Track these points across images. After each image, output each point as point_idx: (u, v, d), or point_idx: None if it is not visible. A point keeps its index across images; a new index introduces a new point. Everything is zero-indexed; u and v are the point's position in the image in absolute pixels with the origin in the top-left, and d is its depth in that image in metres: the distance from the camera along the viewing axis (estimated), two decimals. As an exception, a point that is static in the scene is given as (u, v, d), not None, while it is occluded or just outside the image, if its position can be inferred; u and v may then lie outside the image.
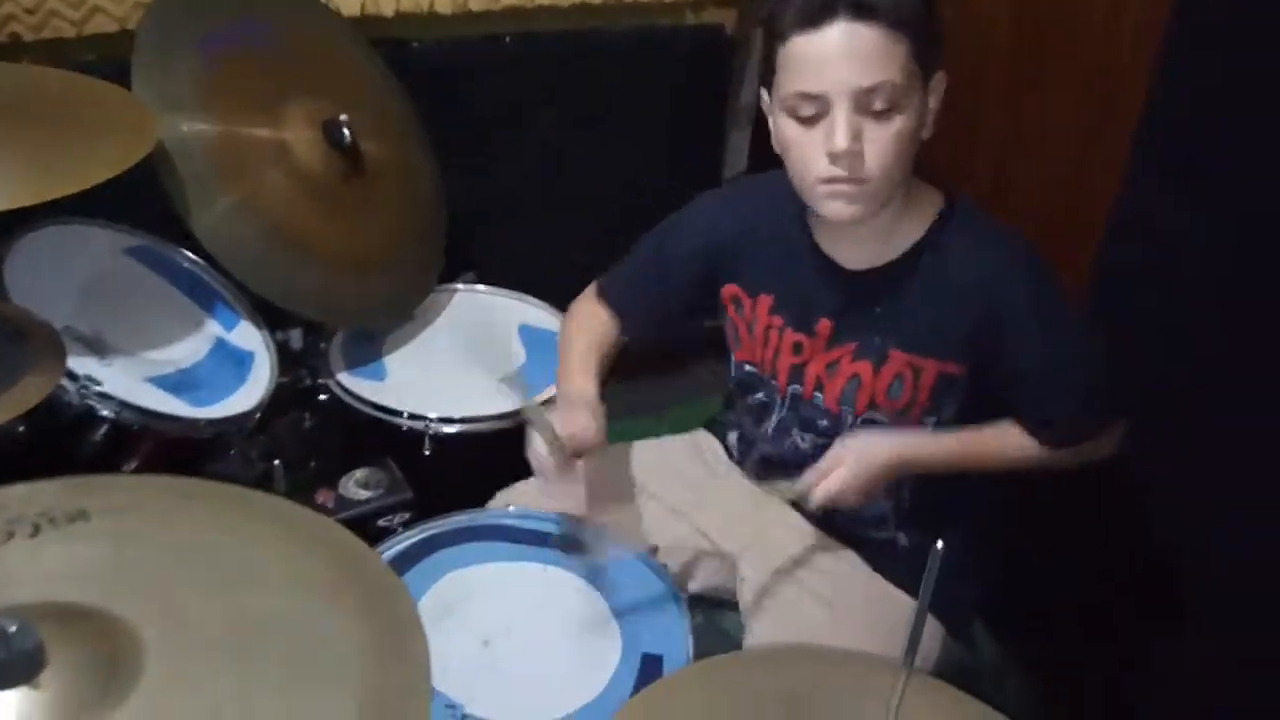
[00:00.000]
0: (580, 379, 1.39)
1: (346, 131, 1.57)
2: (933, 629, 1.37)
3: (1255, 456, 1.40)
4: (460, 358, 1.70)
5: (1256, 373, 1.39)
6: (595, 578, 1.30)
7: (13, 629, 0.60)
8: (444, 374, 1.66)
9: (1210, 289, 1.43)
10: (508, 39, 2.08)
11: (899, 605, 1.36)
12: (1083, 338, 1.29)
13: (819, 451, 1.36)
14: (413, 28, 1.97)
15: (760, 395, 1.41)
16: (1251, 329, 1.38)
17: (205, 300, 1.52)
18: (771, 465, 1.43)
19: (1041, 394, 1.29)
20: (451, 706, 1.12)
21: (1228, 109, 1.37)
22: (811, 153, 1.18)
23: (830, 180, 1.19)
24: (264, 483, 1.44)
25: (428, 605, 1.23)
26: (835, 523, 1.41)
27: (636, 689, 1.16)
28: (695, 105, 2.30)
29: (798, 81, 1.16)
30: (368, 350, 1.69)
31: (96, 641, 0.65)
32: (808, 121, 1.17)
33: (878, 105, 1.15)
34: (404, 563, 1.29)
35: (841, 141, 1.14)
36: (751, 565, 1.41)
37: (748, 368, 1.41)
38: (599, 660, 1.19)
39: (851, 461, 1.23)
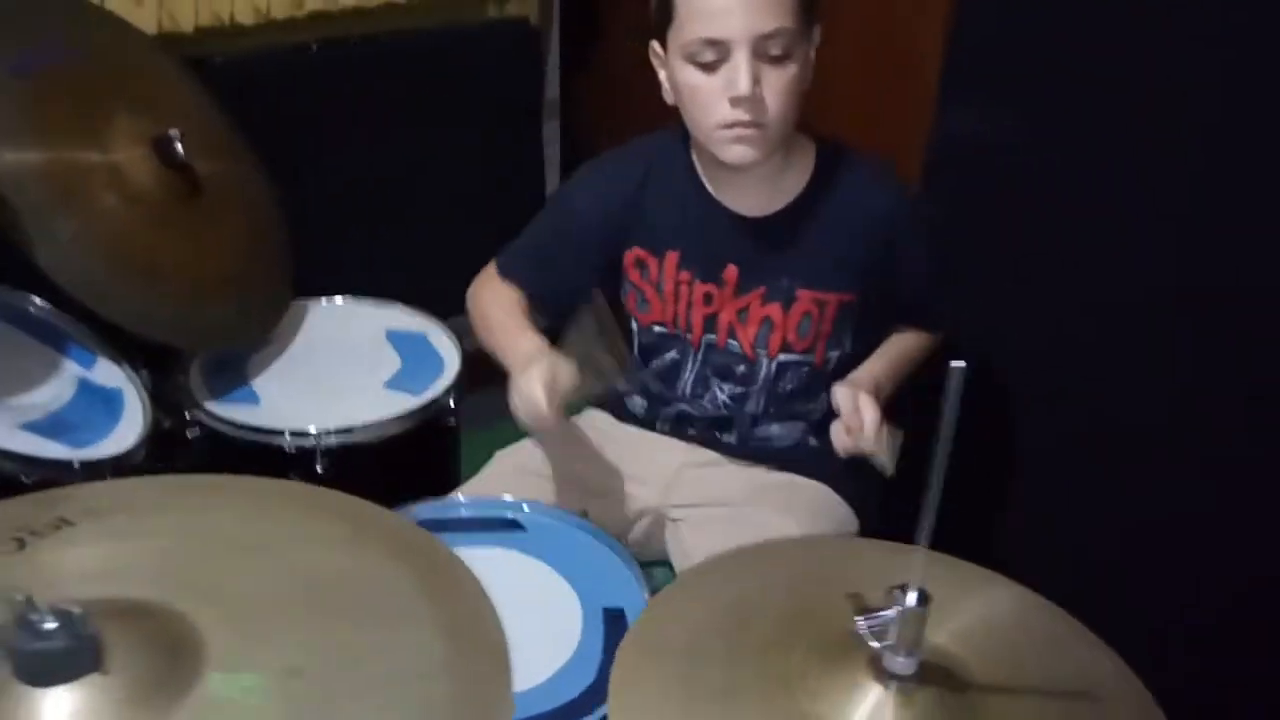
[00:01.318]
0: (524, 339, 1.34)
1: (179, 146, 1.49)
2: (845, 513, 1.45)
3: (1086, 353, 1.57)
4: (332, 369, 1.64)
5: (1080, 266, 1.55)
6: None
7: (76, 613, 0.55)
8: (319, 388, 1.60)
9: (1036, 197, 1.58)
10: (314, 47, 2.03)
11: (806, 488, 1.44)
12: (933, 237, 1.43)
13: (739, 399, 1.42)
14: (213, 42, 1.89)
15: (671, 354, 1.44)
16: (1074, 228, 1.54)
17: (56, 341, 1.41)
18: (688, 421, 1.48)
19: (923, 293, 1.42)
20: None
21: (1031, 20, 1.51)
22: (713, 99, 1.22)
23: (732, 125, 1.23)
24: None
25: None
26: (750, 447, 1.47)
27: (607, 644, 1.16)
28: (509, 99, 2.32)
29: (700, 28, 1.20)
30: (232, 378, 1.60)
31: (148, 626, 0.61)
32: (708, 68, 1.21)
33: (774, 51, 1.20)
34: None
35: (744, 85, 1.19)
36: (676, 509, 1.45)
37: (657, 329, 1.42)
38: (563, 623, 1.19)
39: (869, 404, 1.25)
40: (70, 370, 1.39)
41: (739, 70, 1.19)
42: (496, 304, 1.44)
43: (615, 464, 1.47)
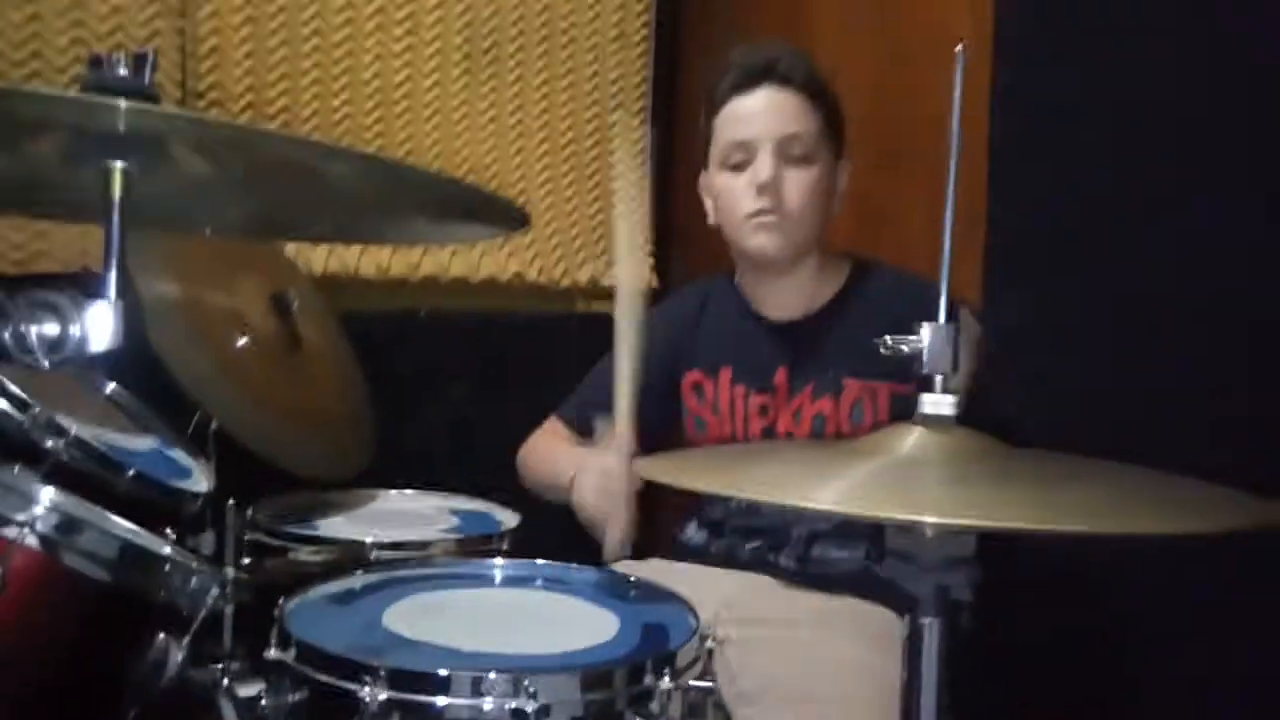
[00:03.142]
0: (573, 450, 1.45)
1: (295, 302, 1.69)
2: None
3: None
4: (393, 519, 1.67)
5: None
6: None
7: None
8: (376, 525, 1.61)
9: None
10: (422, 313, 2.27)
11: (875, 614, 1.33)
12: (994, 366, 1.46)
13: None
14: (338, 290, 2.12)
15: None
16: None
17: (145, 425, 1.49)
18: (751, 533, 1.45)
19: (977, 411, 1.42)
20: (454, 653, 1.01)
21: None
22: (740, 193, 1.40)
23: (756, 214, 1.39)
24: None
25: (404, 608, 1.14)
26: (809, 571, 1.40)
27: (644, 642, 1.07)
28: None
29: (730, 133, 1.41)
30: (295, 521, 1.62)
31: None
32: (738, 168, 1.41)
33: (796, 151, 1.39)
34: (368, 590, 1.19)
35: (765, 172, 1.37)
36: (729, 626, 1.33)
37: None
38: (600, 626, 1.11)
39: None
40: (149, 441, 1.45)
41: (761, 161, 1.38)
42: (550, 447, 1.55)
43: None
